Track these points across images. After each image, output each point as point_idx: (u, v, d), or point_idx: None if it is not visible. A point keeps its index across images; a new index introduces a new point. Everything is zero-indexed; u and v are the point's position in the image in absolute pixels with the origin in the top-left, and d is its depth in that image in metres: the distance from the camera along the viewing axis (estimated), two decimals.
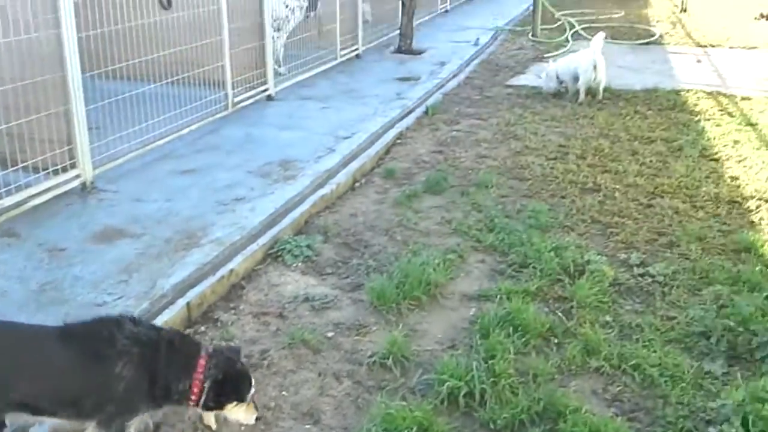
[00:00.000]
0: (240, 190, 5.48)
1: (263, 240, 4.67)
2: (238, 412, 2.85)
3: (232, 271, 4.29)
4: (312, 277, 4.37)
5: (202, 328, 3.83)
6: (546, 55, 11.00)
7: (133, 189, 5.47)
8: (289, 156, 6.27)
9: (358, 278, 4.36)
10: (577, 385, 3.37)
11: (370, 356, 3.55)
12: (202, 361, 2.74)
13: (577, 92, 8.36)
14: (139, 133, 6.03)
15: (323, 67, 9.55)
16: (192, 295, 3.96)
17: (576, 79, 8.32)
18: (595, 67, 8.16)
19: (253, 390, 2.89)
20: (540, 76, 8.83)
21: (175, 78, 6.65)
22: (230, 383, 2.79)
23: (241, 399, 2.83)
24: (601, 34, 8.59)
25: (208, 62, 7.08)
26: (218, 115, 7.18)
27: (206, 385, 2.73)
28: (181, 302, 3.89)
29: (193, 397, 2.73)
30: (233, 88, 7.43)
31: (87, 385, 2.62)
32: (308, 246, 4.67)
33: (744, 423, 2.95)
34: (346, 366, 3.51)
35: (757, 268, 4.31)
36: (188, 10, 6.79)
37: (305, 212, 5.19)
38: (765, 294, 4.01)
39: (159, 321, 3.71)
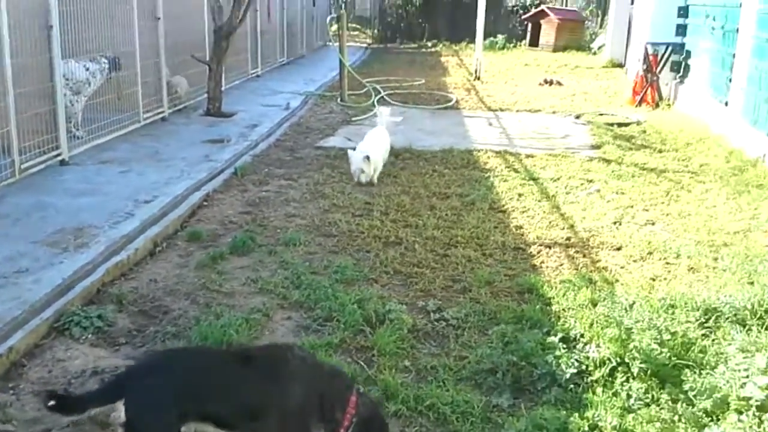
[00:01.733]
0: (24, 261, 5.05)
1: (47, 313, 4.32)
2: None
3: (11, 348, 3.93)
4: (103, 349, 4.10)
5: None
6: (354, 119, 11.48)
7: None
8: (83, 223, 5.90)
9: (154, 347, 4.16)
10: None
11: None
12: (353, 398, 2.95)
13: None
14: None
15: (125, 131, 9.19)
16: None
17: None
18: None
19: None
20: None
21: None
22: (375, 426, 3.02)
23: None
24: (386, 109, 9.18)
25: None
26: (4, 183, 6.62)
27: (354, 420, 2.92)
28: None
29: (341, 430, 2.90)
30: (20, 154, 6.91)
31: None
32: (99, 316, 4.38)
33: None
34: None
35: (537, 307, 4.70)
36: None
37: (97, 281, 4.89)
38: (545, 329, 4.37)
39: None
